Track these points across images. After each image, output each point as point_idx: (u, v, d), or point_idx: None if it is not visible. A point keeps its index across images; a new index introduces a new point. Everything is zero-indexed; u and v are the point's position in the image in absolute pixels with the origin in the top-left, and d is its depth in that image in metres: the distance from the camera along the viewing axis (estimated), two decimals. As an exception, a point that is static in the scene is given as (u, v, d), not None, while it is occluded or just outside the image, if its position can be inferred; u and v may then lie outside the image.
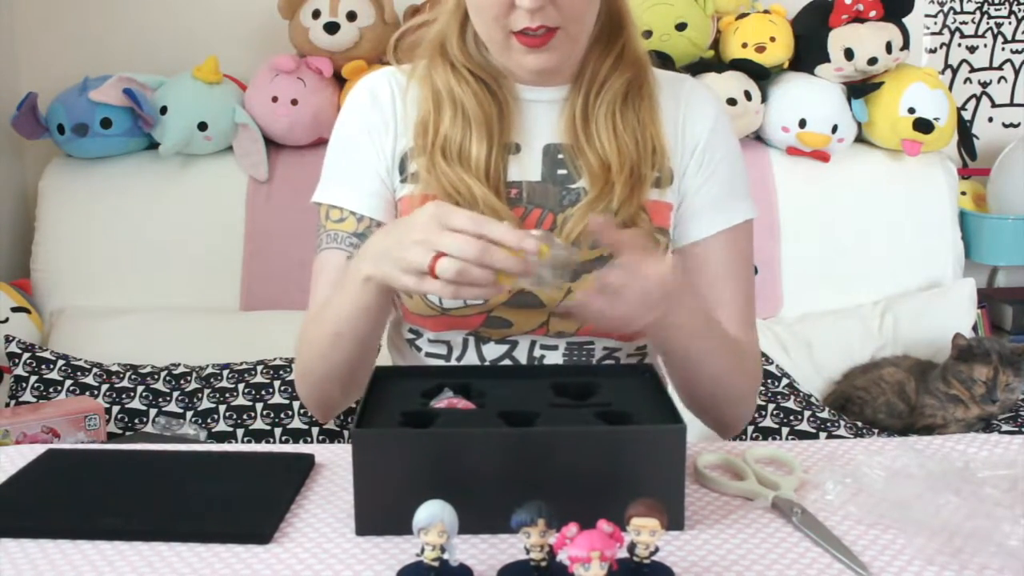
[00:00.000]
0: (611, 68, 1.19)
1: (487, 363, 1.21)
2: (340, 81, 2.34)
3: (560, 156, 1.19)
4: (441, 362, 1.23)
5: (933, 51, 2.69)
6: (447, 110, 1.18)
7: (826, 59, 2.37)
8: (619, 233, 1.01)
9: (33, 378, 2.02)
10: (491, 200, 1.14)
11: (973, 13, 2.69)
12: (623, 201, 1.15)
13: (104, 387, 2.01)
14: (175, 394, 2.02)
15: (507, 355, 1.21)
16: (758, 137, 2.46)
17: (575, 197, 1.18)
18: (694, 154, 1.22)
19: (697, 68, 2.34)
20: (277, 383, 2.03)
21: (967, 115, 2.71)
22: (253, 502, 0.92)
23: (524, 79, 1.19)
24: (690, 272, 1.22)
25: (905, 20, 2.40)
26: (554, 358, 1.21)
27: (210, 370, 2.08)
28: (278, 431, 1.98)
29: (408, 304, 1.20)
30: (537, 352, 1.21)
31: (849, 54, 2.34)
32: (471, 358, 1.21)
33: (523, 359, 1.21)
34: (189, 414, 1.99)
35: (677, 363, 1.15)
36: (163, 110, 2.26)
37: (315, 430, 1.98)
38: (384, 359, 1.26)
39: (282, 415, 1.99)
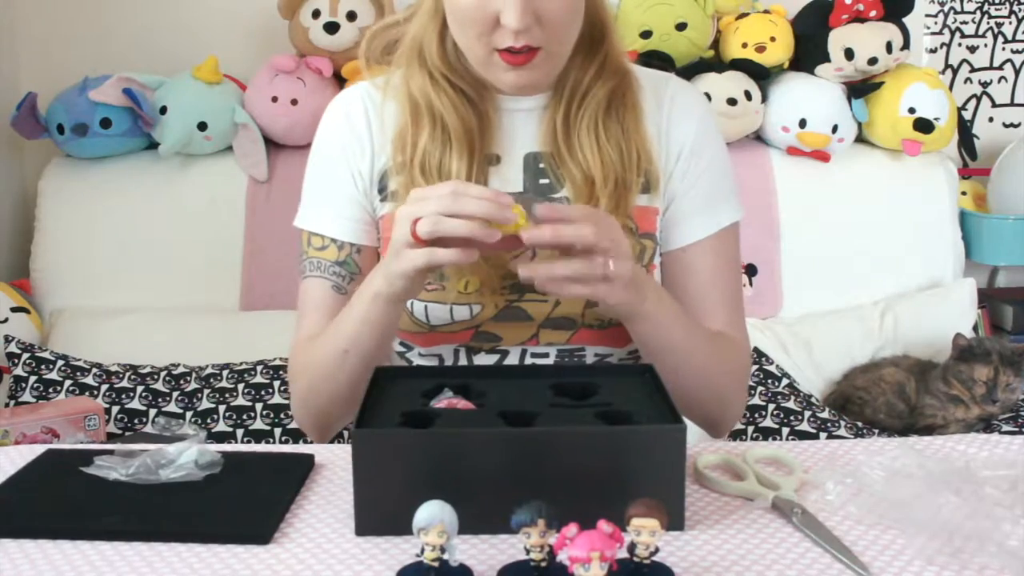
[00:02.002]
0: (593, 78, 1.16)
1: None
2: (340, 81, 2.34)
3: (541, 165, 1.17)
4: None
5: (933, 51, 2.70)
6: (425, 123, 1.15)
7: (826, 59, 2.37)
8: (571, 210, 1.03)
9: (33, 378, 2.02)
10: None
11: (973, 13, 2.69)
12: (609, 213, 1.13)
13: (104, 387, 2.01)
14: (175, 394, 2.02)
15: (498, 364, 1.20)
16: (758, 137, 2.46)
17: None
18: (679, 160, 1.20)
19: (697, 68, 2.34)
20: (277, 383, 2.03)
21: (967, 115, 2.71)
22: (253, 502, 0.91)
23: (504, 91, 1.16)
24: (678, 276, 1.21)
25: (905, 20, 2.40)
26: None
27: (210, 370, 2.08)
28: (278, 431, 1.98)
29: None
30: (528, 361, 1.20)
31: (849, 54, 2.34)
32: None
33: None
34: (189, 414, 1.99)
35: (660, 359, 1.13)
36: (163, 110, 2.26)
37: (315, 430, 1.98)
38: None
39: (282, 415, 1.99)
